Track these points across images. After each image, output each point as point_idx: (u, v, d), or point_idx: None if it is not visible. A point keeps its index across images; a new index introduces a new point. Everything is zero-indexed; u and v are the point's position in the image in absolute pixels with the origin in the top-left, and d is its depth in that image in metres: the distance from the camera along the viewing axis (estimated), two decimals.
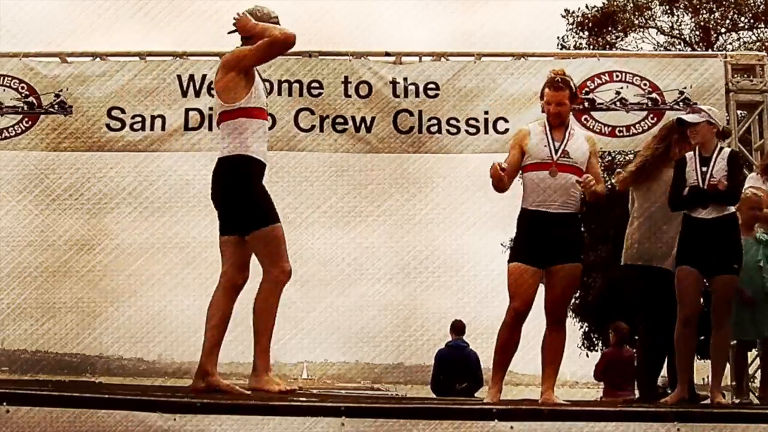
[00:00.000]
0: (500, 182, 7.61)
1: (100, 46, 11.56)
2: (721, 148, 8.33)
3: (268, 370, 7.31)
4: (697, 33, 28.36)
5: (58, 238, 11.65)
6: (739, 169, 8.36)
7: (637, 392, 10.67)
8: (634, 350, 14.73)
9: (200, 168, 11.52)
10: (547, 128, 7.80)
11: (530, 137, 7.78)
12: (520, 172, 7.84)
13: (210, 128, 11.04)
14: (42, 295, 11.63)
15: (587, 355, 26.96)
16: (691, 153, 8.40)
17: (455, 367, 14.10)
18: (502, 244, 28.62)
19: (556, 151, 7.71)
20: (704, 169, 8.22)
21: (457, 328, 14.33)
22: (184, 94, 11.15)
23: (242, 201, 7.35)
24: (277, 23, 7.43)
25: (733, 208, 8.21)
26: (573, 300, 28.42)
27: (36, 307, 11.67)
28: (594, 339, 27.38)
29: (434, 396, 13.59)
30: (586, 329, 28.00)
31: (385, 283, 12.24)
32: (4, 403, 5.85)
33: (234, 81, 7.34)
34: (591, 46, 27.21)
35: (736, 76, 11.56)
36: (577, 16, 28.53)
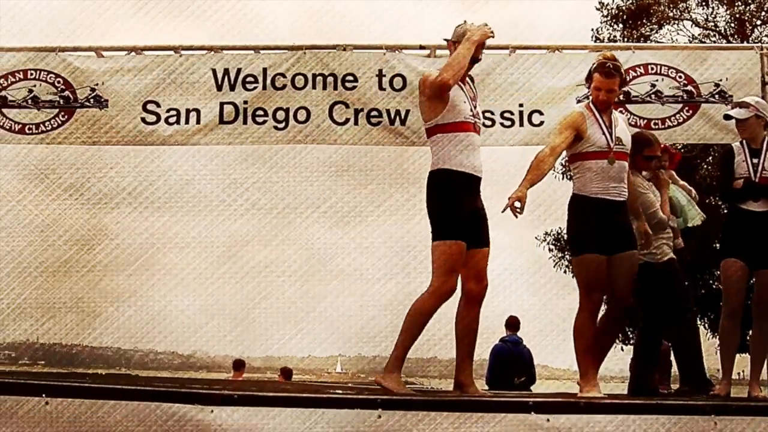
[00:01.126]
0: (541, 176, 7.62)
1: (135, 41, 11.62)
2: None
3: (390, 371, 7.44)
4: (732, 25, 28.18)
5: (58, 238, 11.69)
6: None
7: (672, 386, 10.65)
8: (670, 344, 14.65)
9: (200, 168, 11.57)
10: (597, 114, 7.74)
11: (586, 122, 7.72)
12: (563, 155, 7.85)
13: (245, 122, 11.07)
14: (42, 294, 11.69)
15: (622, 349, 26.83)
16: (738, 144, 8.37)
17: (512, 361, 14.20)
18: (536, 238, 28.50)
19: (611, 138, 7.69)
20: (755, 161, 8.19)
21: (512, 324, 14.48)
22: (219, 87, 11.16)
23: (432, 211, 7.58)
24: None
25: None
26: None
27: (36, 307, 11.72)
28: (629, 333, 27.25)
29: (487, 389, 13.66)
30: None
31: (385, 283, 12.25)
32: (44, 395, 5.90)
33: (425, 101, 7.68)
34: (626, 39, 27.12)
35: None
36: (612, 9, 28.43)
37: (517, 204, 7.33)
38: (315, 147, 11.17)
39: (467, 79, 7.81)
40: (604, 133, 7.66)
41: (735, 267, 8.28)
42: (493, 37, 7.71)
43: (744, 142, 8.41)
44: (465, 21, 7.89)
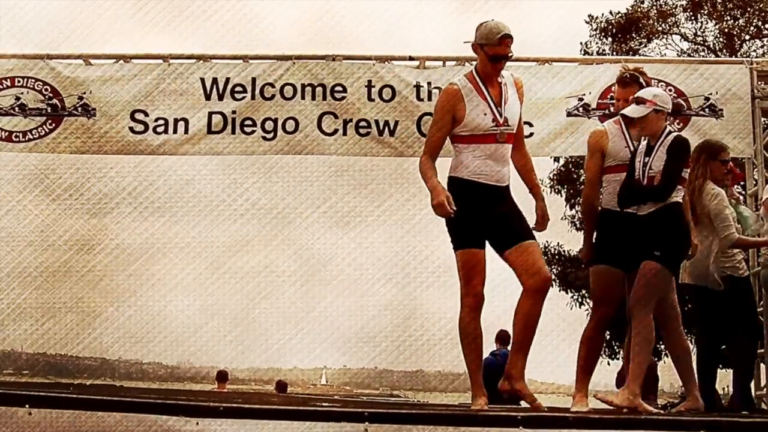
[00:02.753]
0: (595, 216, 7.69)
1: (123, 49, 11.57)
2: (669, 134, 7.71)
3: (475, 395, 7.42)
4: (721, 40, 28.23)
5: (58, 238, 11.67)
6: (677, 160, 7.62)
7: (659, 401, 10.63)
8: (656, 359, 14.60)
9: (200, 168, 11.55)
10: (623, 127, 7.65)
11: (608, 138, 7.65)
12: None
13: (233, 132, 11.04)
14: (42, 295, 11.67)
15: (608, 364, 26.84)
16: (644, 142, 8.00)
17: (501, 375, 14.10)
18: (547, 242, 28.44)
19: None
20: (647, 159, 7.82)
21: (502, 337, 14.41)
22: (208, 97, 11.13)
23: (446, 220, 7.46)
24: (490, 43, 7.41)
25: (677, 198, 7.56)
26: None
27: (36, 307, 11.70)
28: (615, 347, 27.25)
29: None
30: (607, 337, 27.89)
31: (385, 283, 12.25)
32: (27, 406, 5.83)
33: None
34: (614, 52, 27.12)
35: (761, 82, 11.47)
36: (601, 22, 28.43)
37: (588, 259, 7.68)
38: None
39: (497, 81, 7.48)
40: (627, 146, 7.57)
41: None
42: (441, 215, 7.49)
43: (648, 140, 8.01)
44: (493, 19, 7.61)
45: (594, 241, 7.82)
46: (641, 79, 7.78)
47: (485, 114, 7.34)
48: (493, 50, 7.36)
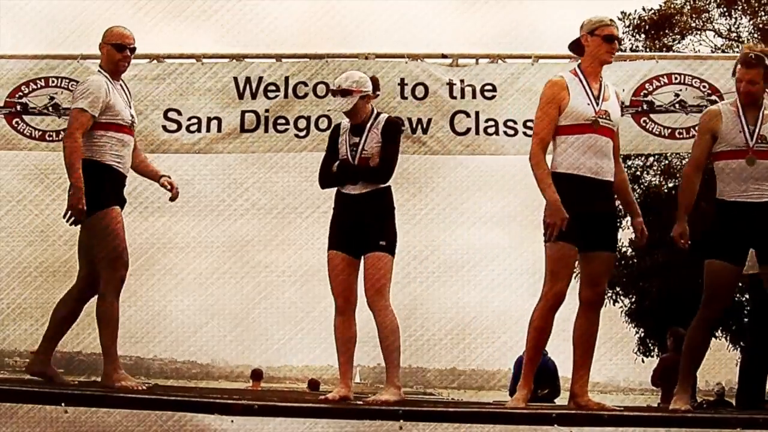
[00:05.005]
0: (693, 196, 7.54)
1: (155, 49, 11.57)
2: (378, 115, 7.88)
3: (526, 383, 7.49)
4: (756, 36, 28.06)
5: (58, 238, 11.66)
6: (392, 141, 7.91)
7: (698, 399, 10.53)
8: None
9: (200, 168, 11.53)
10: (740, 110, 7.54)
11: (722, 120, 7.52)
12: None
13: (266, 130, 11.04)
14: (42, 295, 11.65)
15: (642, 361, 26.79)
16: (347, 122, 7.99)
17: (537, 372, 14.02)
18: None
19: (752, 136, 7.42)
20: (356, 140, 7.79)
21: None
22: (241, 96, 11.14)
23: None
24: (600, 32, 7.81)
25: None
26: (629, 305, 28.18)
27: (36, 307, 11.69)
28: (650, 345, 27.16)
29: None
30: (642, 335, 27.80)
31: None
32: (62, 404, 5.87)
33: None
34: (648, 49, 27.03)
35: None
36: (634, 19, 28.33)
37: (682, 240, 7.46)
38: None
39: (599, 74, 7.78)
40: (742, 131, 7.44)
41: (333, 258, 8.38)
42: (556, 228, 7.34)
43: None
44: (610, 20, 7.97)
45: (705, 233, 7.59)
46: (767, 61, 7.61)
47: (588, 104, 7.40)
48: (607, 29, 7.73)
